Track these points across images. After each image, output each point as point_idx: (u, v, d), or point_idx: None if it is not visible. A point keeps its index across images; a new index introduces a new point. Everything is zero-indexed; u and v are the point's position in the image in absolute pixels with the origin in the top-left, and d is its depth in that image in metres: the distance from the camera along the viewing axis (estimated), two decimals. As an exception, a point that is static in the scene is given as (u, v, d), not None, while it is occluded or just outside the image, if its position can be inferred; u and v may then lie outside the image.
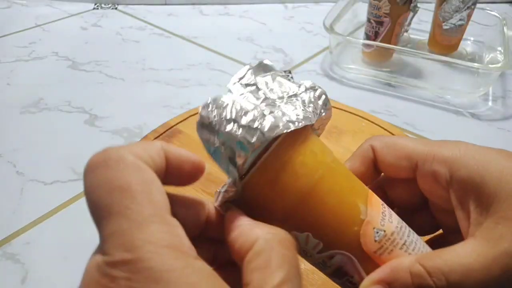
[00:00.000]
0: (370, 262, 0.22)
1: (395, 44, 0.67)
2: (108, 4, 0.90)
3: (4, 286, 0.37)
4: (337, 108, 0.57)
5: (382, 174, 0.27)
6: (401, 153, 0.25)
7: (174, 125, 0.52)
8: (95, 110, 0.58)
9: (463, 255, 0.20)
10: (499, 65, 0.59)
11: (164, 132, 0.51)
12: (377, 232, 0.22)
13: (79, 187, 0.45)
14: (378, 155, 0.26)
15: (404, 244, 0.23)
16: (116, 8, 0.89)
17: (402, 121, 0.58)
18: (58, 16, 0.85)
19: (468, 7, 0.65)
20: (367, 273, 0.22)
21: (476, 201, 0.21)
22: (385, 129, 0.53)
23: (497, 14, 0.73)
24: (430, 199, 0.26)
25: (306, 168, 0.21)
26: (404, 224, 0.24)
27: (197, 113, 0.55)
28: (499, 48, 0.70)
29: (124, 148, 0.17)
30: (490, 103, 0.62)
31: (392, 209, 0.25)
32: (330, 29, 0.65)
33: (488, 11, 0.73)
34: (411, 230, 0.24)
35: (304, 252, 0.23)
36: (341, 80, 0.67)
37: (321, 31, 0.79)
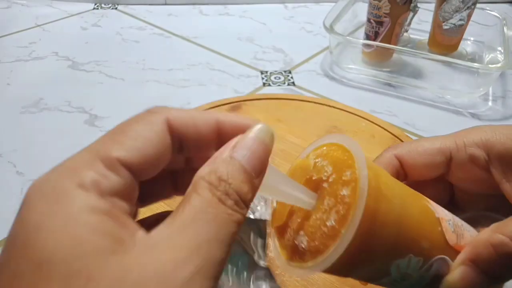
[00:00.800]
0: (456, 254, 0.22)
1: (395, 44, 0.67)
2: (108, 4, 0.90)
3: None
4: (337, 108, 0.57)
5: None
6: (432, 151, 0.25)
7: (174, 125, 0.52)
8: (95, 110, 0.58)
9: None
10: (499, 65, 0.59)
11: (164, 132, 0.51)
12: (449, 223, 0.22)
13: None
14: (406, 162, 0.26)
15: (462, 225, 0.23)
16: (116, 8, 0.89)
17: (402, 121, 0.58)
18: (58, 16, 0.85)
19: (468, 7, 0.65)
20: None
21: None
22: (385, 129, 0.53)
23: (497, 14, 0.73)
24: (463, 188, 0.27)
25: (388, 207, 0.20)
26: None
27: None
28: (499, 48, 0.70)
29: (70, 177, 0.15)
30: (490, 103, 0.62)
31: None
32: (330, 29, 0.65)
33: (488, 11, 0.73)
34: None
35: (402, 276, 0.22)
36: (341, 80, 0.67)
37: (321, 31, 0.79)
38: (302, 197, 0.20)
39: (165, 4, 0.91)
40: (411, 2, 0.64)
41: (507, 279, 0.21)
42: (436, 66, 0.69)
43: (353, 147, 0.20)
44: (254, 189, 0.18)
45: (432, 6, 0.69)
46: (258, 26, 0.84)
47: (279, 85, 0.65)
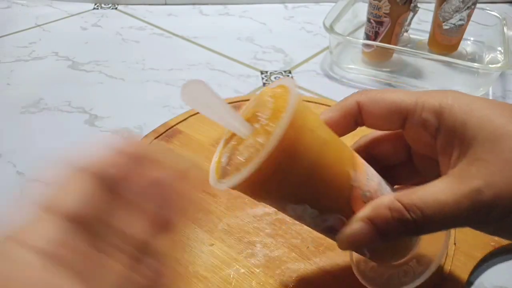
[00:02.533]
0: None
1: (395, 44, 0.67)
2: (108, 4, 0.90)
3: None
4: (337, 108, 0.57)
5: (361, 133, 0.29)
6: (390, 106, 0.25)
7: (174, 125, 0.52)
8: (95, 110, 0.58)
9: (437, 191, 0.22)
10: (499, 65, 0.59)
11: (164, 132, 0.51)
12: (364, 195, 0.24)
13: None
14: (365, 110, 0.27)
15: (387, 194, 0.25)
16: (116, 8, 0.89)
17: (402, 121, 0.58)
18: (58, 16, 0.85)
19: (468, 7, 0.65)
20: None
21: (458, 148, 0.23)
22: (385, 129, 0.53)
23: (497, 14, 0.73)
24: (416, 149, 0.27)
25: (305, 147, 0.23)
26: (380, 178, 0.26)
27: (197, 113, 0.55)
28: (499, 48, 0.70)
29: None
30: (490, 103, 0.62)
31: (374, 167, 0.27)
32: (330, 29, 0.65)
33: (488, 11, 0.73)
34: (387, 183, 0.27)
35: (298, 217, 0.25)
36: (341, 80, 0.67)
37: (321, 31, 0.79)
38: (237, 126, 0.23)
39: (165, 4, 0.91)
40: (411, 2, 0.64)
41: (393, 240, 0.24)
42: (436, 66, 0.69)
43: (293, 90, 0.23)
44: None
45: (432, 6, 0.69)
46: (258, 26, 0.84)
47: (279, 85, 0.65)
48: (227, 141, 0.25)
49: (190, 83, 0.20)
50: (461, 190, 0.21)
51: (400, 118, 0.25)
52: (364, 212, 0.23)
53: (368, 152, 0.29)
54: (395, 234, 0.23)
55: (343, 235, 0.24)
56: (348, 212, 0.24)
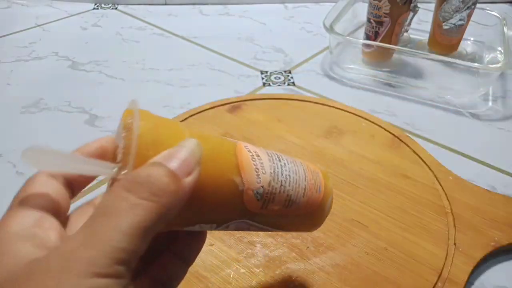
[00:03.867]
0: (259, 216, 0.24)
1: (395, 44, 0.66)
2: (108, 4, 0.90)
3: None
4: (337, 108, 0.57)
5: None
6: None
7: (174, 125, 0.52)
8: (95, 110, 0.58)
9: None
10: (499, 65, 0.59)
11: (164, 132, 0.51)
12: (257, 193, 0.23)
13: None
14: None
15: (281, 185, 0.25)
16: (116, 8, 0.89)
17: (402, 121, 0.58)
18: (58, 16, 0.85)
19: (468, 7, 0.65)
20: (261, 223, 0.25)
21: None
22: (385, 129, 0.53)
23: (497, 14, 0.73)
24: None
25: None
26: (276, 159, 0.25)
27: (198, 112, 0.55)
28: (499, 48, 0.70)
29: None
30: (490, 103, 0.62)
31: None
32: (330, 29, 0.65)
33: (488, 11, 0.73)
34: (283, 159, 0.26)
35: (198, 229, 0.24)
36: (341, 80, 0.67)
37: (321, 31, 0.79)
38: (97, 170, 0.21)
39: (165, 4, 0.91)
40: (411, 2, 0.64)
41: None
42: (436, 66, 0.69)
43: (136, 125, 0.21)
44: (180, 185, 0.19)
45: (432, 6, 0.69)
46: (258, 26, 0.84)
47: (279, 85, 0.65)
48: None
49: (28, 150, 0.19)
50: None
51: None
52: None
53: None
54: None
55: None
56: (247, 214, 0.24)
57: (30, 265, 0.17)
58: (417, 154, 0.49)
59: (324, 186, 0.28)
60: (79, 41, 0.77)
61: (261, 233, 0.39)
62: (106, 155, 0.23)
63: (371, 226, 0.40)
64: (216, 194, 0.22)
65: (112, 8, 0.89)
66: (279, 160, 0.26)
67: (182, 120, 0.53)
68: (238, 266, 0.36)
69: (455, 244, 0.39)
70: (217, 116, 0.55)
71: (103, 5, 0.90)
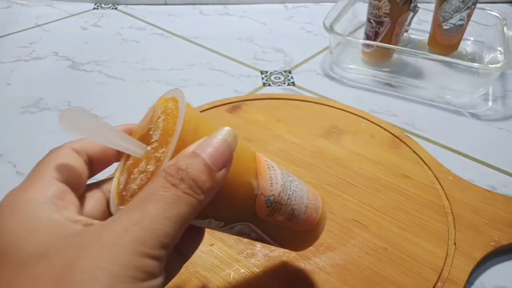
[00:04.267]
0: (264, 223, 0.26)
1: (395, 44, 0.66)
2: (108, 4, 0.90)
3: None
4: (337, 108, 0.57)
5: None
6: None
7: (174, 125, 0.52)
8: (95, 110, 0.58)
9: None
10: (499, 65, 0.59)
11: (164, 132, 0.51)
12: (268, 199, 0.25)
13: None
14: None
15: (288, 198, 0.26)
16: (116, 8, 0.89)
17: (402, 121, 0.58)
18: (58, 16, 0.85)
19: (468, 7, 0.65)
20: (263, 231, 0.26)
21: None
22: (385, 129, 0.53)
23: (497, 14, 0.73)
24: None
25: None
26: (286, 174, 0.27)
27: (197, 113, 0.55)
28: (499, 48, 0.70)
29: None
30: (490, 103, 0.62)
31: None
32: (330, 29, 0.65)
33: (488, 11, 0.73)
34: (292, 176, 0.28)
35: (204, 227, 0.25)
36: (341, 80, 0.67)
37: (321, 31, 0.79)
38: (129, 147, 0.22)
39: (165, 4, 0.91)
40: (411, 2, 0.64)
41: None
42: (436, 66, 0.69)
43: (181, 108, 0.22)
44: (214, 180, 0.20)
45: (432, 6, 0.69)
46: (258, 26, 0.84)
47: (279, 85, 0.65)
48: (125, 159, 0.24)
49: (68, 111, 0.20)
50: None
51: None
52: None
53: None
54: None
55: None
56: (254, 218, 0.25)
57: (78, 237, 0.18)
58: (417, 154, 0.49)
59: (322, 209, 0.30)
60: (79, 41, 0.77)
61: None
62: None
63: (371, 226, 0.40)
64: (234, 192, 0.23)
65: (112, 8, 0.89)
66: (288, 176, 0.28)
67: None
68: (238, 266, 0.36)
69: (455, 244, 0.39)
70: (217, 116, 0.55)
71: (103, 5, 0.90)
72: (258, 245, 0.38)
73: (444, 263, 0.37)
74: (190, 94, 0.62)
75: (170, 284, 0.36)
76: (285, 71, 0.69)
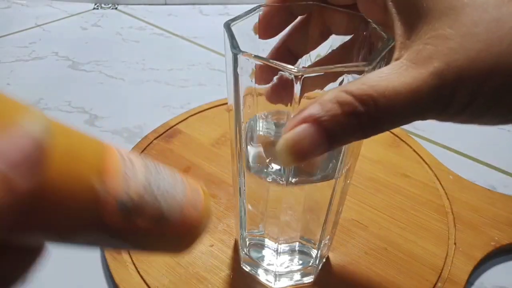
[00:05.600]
0: (119, 230, 0.20)
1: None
2: (108, 4, 0.90)
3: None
4: (337, 108, 0.57)
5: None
6: None
7: (174, 125, 0.52)
8: (95, 110, 0.58)
9: (390, 78, 0.19)
10: (499, 64, 0.58)
11: (164, 132, 0.51)
12: (121, 202, 0.19)
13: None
14: None
15: (155, 198, 0.21)
16: (116, 8, 0.89)
17: (402, 120, 0.58)
18: (58, 16, 0.85)
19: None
20: (121, 240, 0.20)
21: (411, 24, 0.20)
22: (385, 129, 0.53)
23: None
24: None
25: None
26: (154, 169, 0.22)
27: (198, 112, 0.55)
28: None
29: None
30: (490, 103, 0.62)
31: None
32: (330, 28, 0.65)
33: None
34: (163, 170, 0.22)
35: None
36: (341, 79, 0.67)
37: (321, 31, 0.79)
38: None
39: (165, 4, 0.91)
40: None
41: (343, 142, 0.20)
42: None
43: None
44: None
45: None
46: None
47: (279, 85, 0.65)
48: None
49: None
50: (418, 74, 0.18)
51: None
52: (307, 111, 0.19)
53: (324, 21, 0.28)
54: (346, 133, 0.19)
55: (283, 143, 0.19)
56: (101, 226, 0.19)
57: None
58: (417, 153, 0.49)
59: (204, 204, 0.25)
60: (79, 41, 0.77)
61: (261, 233, 0.39)
62: None
63: (371, 226, 0.40)
64: (64, 196, 0.18)
65: (112, 8, 0.89)
66: (157, 171, 0.22)
67: (182, 120, 0.53)
68: (238, 267, 0.36)
69: (455, 243, 0.39)
70: (217, 116, 0.55)
71: (103, 5, 0.90)
72: (258, 245, 0.38)
73: (444, 263, 0.37)
74: (190, 94, 0.62)
75: (170, 285, 0.36)
76: (285, 71, 0.69)
